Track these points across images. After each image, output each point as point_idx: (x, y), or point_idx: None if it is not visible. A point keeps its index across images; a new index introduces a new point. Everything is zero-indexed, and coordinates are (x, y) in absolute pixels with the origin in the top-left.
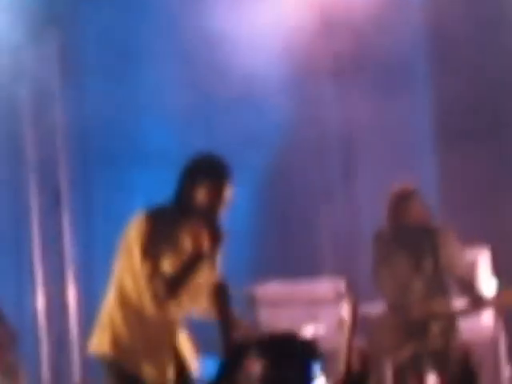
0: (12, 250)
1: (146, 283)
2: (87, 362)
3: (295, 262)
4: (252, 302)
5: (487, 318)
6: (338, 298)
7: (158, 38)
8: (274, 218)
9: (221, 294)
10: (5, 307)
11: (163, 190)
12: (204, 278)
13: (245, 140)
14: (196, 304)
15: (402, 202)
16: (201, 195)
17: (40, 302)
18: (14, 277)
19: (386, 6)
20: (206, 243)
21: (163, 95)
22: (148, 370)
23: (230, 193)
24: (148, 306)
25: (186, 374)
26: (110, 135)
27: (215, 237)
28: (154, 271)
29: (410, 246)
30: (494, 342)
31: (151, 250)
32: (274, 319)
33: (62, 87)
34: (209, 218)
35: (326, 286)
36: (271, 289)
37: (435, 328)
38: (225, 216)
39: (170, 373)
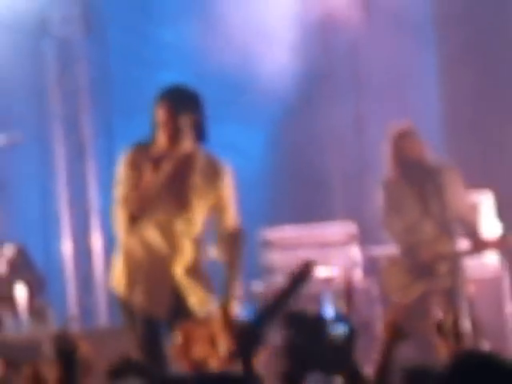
0: (40, 199)
1: (121, 207)
2: (112, 301)
3: (308, 206)
4: (266, 245)
5: (491, 257)
6: (350, 240)
7: None
8: (287, 163)
9: (238, 240)
10: (34, 253)
11: None
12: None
13: (258, 88)
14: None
15: (399, 140)
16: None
17: (67, 246)
18: (42, 224)
19: None
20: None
21: (184, 52)
22: (141, 302)
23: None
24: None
25: (183, 307)
26: (132, 89)
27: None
28: (123, 195)
29: (417, 190)
30: (497, 280)
31: (119, 178)
32: (287, 262)
33: (85, 44)
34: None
35: (337, 230)
36: (285, 232)
37: (443, 268)
38: (239, 162)
39: (164, 305)
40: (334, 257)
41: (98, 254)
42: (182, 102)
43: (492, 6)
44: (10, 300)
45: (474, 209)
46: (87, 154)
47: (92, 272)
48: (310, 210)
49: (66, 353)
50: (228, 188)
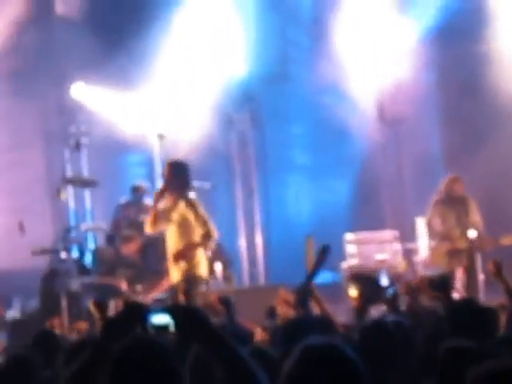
0: (227, 218)
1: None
2: (269, 275)
3: (372, 219)
4: (349, 242)
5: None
6: (394, 240)
7: None
8: (364, 195)
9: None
10: (225, 246)
11: None
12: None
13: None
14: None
15: (451, 181)
16: None
17: (242, 242)
18: (230, 229)
19: None
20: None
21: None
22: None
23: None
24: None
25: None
26: (280, 161)
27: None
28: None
29: (455, 208)
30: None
31: None
32: (360, 251)
33: (252, 132)
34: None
35: (388, 234)
36: (359, 235)
37: (464, 250)
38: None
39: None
40: (386, 248)
41: (259, 247)
42: None
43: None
44: (212, 271)
45: (480, 223)
46: (254, 195)
47: (256, 257)
48: (375, 221)
49: (225, 299)
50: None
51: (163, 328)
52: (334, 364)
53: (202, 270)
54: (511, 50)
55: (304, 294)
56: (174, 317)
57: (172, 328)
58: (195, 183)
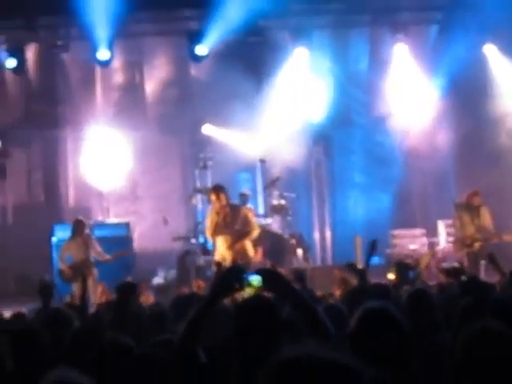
0: (306, 208)
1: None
2: (334, 258)
3: (406, 221)
4: (392, 237)
5: None
6: (422, 235)
7: None
8: (400, 204)
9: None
10: (304, 235)
11: None
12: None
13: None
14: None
15: (471, 195)
16: None
17: (316, 234)
18: (307, 223)
19: None
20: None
21: None
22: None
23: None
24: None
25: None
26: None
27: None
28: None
29: (471, 212)
30: None
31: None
32: (398, 243)
33: (325, 160)
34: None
35: (418, 231)
36: (398, 232)
37: (477, 245)
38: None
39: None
40: (416, 241)
41: (328, 239)
42: None
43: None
44: (296, 254)
45: (491, 226)
46: (325, 203)
47: (325, 246)
48: (408, 222)
49: (300, 272)
50: None
51: (254, 285)
52: (385, 322)
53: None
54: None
55: (363, 271)
56: (263, 276)
57: (261, 284)
58: (286, 194)
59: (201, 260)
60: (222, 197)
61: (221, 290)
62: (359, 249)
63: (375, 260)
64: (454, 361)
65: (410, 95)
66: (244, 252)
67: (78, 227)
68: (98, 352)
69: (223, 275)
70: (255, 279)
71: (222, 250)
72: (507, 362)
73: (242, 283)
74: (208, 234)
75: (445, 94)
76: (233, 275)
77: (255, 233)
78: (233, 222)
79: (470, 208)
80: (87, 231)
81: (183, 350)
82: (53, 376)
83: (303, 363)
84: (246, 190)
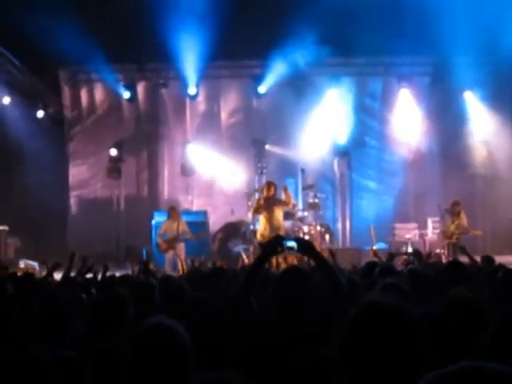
0: (332, 206)
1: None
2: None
3: (403, 217)
4: (392, 228)
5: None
6: (415, 228)
7: None
8: (401, 205)
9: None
10: (330, 225)
11: None
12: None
13: None
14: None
15: (454, 204)
16: None
17: (339, 224)
18: (333, 216)
19: None
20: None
21: None
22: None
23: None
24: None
25: None
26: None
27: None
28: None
29: (453, 215)
30: None
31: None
32: (397, 235)
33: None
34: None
35: (412, 225)
36: (397, 225)
37: (455, 238)
38: (385, 204)
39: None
40: (411, 233)
41: (347, 229)
42: None
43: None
44: (324, 239)
45: (466, 225)
46: (346, 203)
47: (346, 233)
48: (405, 218)
49: (332, 251)
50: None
51: (292, 248)
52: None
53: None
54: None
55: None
56: (298, 243)
57: (296, 248)
58: (318, 195)
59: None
60: (272, 188)
61: (267, 252)
62: (373, 235)
63: (381, 245)
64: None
65: (410, 125)
66: (278, 226)
67: (173, 212)
68: (185, 306)
69: (269, 241)
70: (292, 245)
71: (261, 230)
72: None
73: (283, 247)
74: (250, 213)
75: (434, 125)
76: (275, 241)
77: (290, 206)
78: (273, 205)
79: (452, 212)
80: (179, 216)
81: (241, 298)
82: (152, 320)
83: (381, 307)
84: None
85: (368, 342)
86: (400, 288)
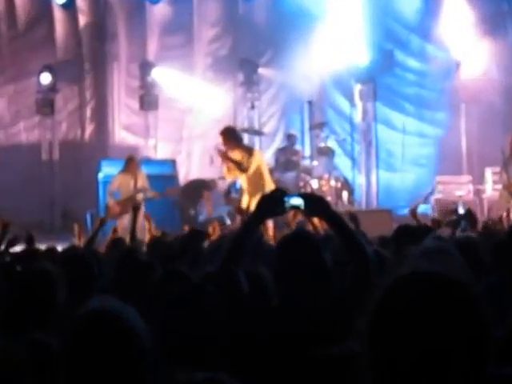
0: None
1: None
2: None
3: (453, 168)
4: (436, 183)
5: None
6: (468, 183)
7: None
8: (448, 154)
9: None
10: (349, 180)
11: None
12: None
13: None
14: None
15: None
16: None
17: (361, 179)
18: (353, 164)
19: None
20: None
21: None
22: None
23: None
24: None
25: None
26: None
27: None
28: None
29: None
30: None
31: None
32: (443, 191)
33: None
34: None
35: (465, 178)
36: (444, 178)
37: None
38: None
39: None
40: (462, 188)
41: (373, 185)
42: None
43: None
44: (341, 197)
45: None
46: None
47: (371, 191)
48: (456, 169)
49: (354, 215)
50: None
51: (296, 207)
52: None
53: None
54: None
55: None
56: (305, 199)
57: (302, 207)
58: (333, 137)
59: None
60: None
61: (262, 212)
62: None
63: (421, 207)
64: None
65: (461, 41)
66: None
67: (130, 163)
68: (150, 285)
69: (263, 198)
70: (298, 202)
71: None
72: None
73: (284, 207)
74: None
75: (496, 42)
76: (274, 198)
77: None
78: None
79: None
80: (138, 167)
81: (225, 273)
82: (92, 304)
83: (433, 277)
84: (293, 130)
85: (416, 323)
86: (452, 256)
